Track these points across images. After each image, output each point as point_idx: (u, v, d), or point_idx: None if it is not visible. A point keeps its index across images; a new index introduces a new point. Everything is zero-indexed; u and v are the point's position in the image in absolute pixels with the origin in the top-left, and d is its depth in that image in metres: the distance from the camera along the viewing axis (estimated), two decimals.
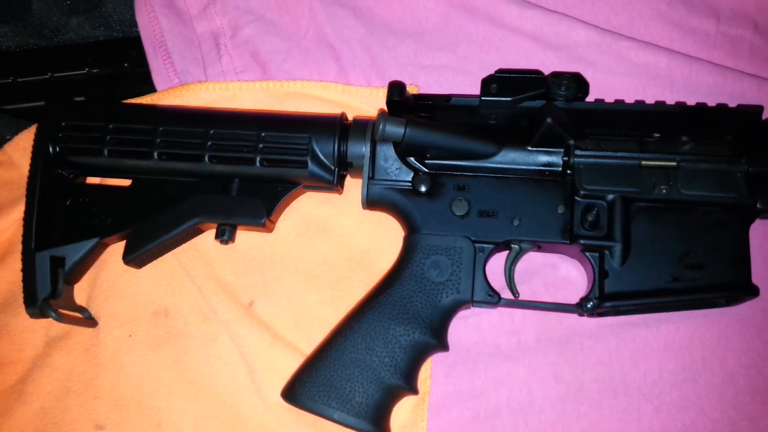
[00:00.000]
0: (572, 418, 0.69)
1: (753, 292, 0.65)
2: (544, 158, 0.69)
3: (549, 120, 0.67)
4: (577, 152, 0.68)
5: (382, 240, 0.77)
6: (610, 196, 0.67)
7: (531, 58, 0.81)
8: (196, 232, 0.76)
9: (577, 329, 0.72)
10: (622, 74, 0.79)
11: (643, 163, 0.67)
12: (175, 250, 0.77)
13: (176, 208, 0.73)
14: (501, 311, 0.73)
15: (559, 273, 0.74)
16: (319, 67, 0.84)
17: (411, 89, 0.81)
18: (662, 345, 0.70)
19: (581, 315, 0.71)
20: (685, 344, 0.70)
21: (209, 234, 0.76)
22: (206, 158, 0.73)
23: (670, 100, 0.71)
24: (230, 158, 0.73)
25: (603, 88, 0.78)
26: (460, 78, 0.82)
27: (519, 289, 0.73)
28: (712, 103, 0.70)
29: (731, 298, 0.67)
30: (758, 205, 0.65)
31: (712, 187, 0.66)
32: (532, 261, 0.74)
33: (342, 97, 0.82)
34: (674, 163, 0.67)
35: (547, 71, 0.73)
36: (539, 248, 0.71)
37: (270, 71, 0.84)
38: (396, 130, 0.68)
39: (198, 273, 0.77)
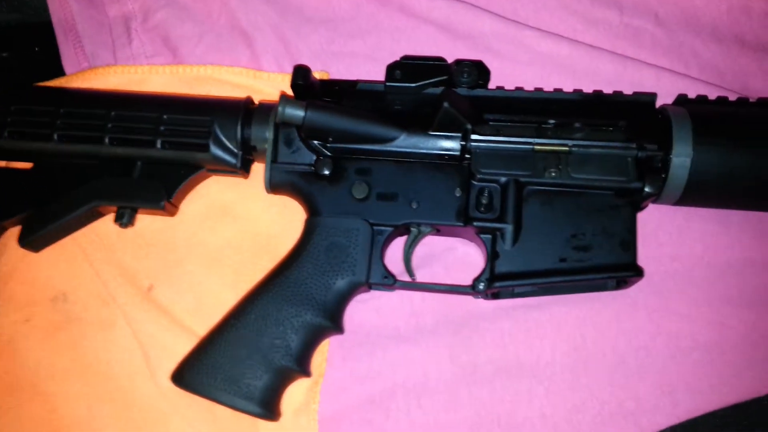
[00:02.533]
0: (465, 399, 0.70)
1: (638, 272, 0.66)
2: (443, 143, 0.70)
3: (446, 104, 0.68)
4: (474, 137, 0.69)
5: (288, 224, 0.76)
6: (503, 179, 0.68)
7: (439, 47, 0.82)
8: (96, 215, 0.75)
9: (474, 312, 0.72)
10: (526, 63, 0.81)
11: (537, 148, 0.68)
12: (75, 234, 0.76)
13: (75, 191, 0.72)
14: (402, 295, 0.74)
15: (458, 257, 0.75)
16: (232, 52, 0.84)
17: (321, 75, 0.82)
18: (555, 327, 0.71)
19: (475, 296, 0.71)
20: (577, 326, 0.71)
21: (111, 217, 0.75)
22: (106, 140, 0.72)
23: (572, 88, 0.73)
24: (131, 140, 0.72)
25: (509, 77, 0.79)
26: (370, 65, 0.82)
27: (420, 272, 0.73)
28: (611, 91, 0.72)
29: (620, 281, 0.68)
30: (646, 189, 0.67)
31: (603, 171, 0.67)
32: (434, 245, 0.75)
33: (253, 82, 0.82)
34: (566, 148, 0.68)
35: (453, 60, 0.74)
36: (438, 232, 0.71)
37: (181, 56, 0.84)
38: (296, 112, 0.68)
39: (97, 257, 0.76)
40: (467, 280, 0.69)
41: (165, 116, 0.72)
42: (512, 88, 0.72)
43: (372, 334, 0.73)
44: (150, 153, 0.72)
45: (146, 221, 0.77)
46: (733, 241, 0.73)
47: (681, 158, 0.65)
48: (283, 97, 0.69)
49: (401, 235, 0.72)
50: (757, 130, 0.66)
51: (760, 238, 0.72)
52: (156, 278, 0.76)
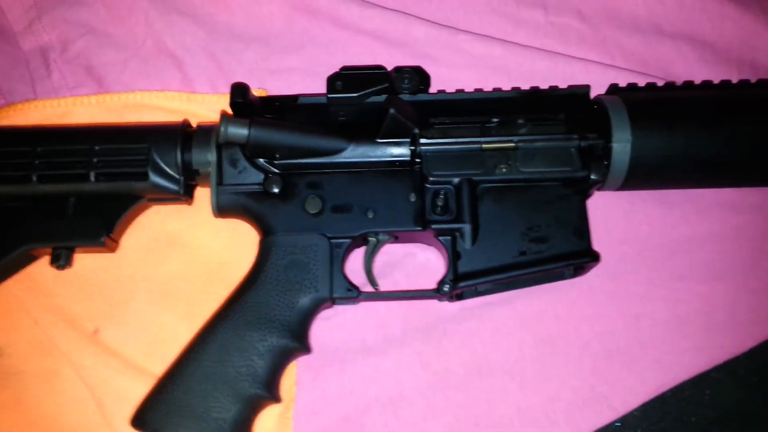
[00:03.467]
0: (441, 405, 0.69)
1: (594, 257, 0.67)
2: (392, 149, 0.69)
3: (392, 111, 0.68)
4: (423, 141, 0.69)
5: (239, 249, 0.74)
6: (456, 180, 0.68)
7: (376, 56, 0.82)
8: (29, 259, 0.70)
9: (440, 316, 0.72)
10: (462, 66, 0.82)
11: (484, 146, 0.69)
12: (7, 283, 0.70)
13: (3, 235, 0.67)
14: (366, 307, 0.72)
15: (419, 263, 0.74)
16: (161, 76, 0.81)
17: (260, 93, 0.80)
18: (520, 322, 0.71)
19: (441, 299, 0.71)
20: (541, 318, 0.72)
21: (47, 260, 0.70)
22: (34, 178, 0.67)
23: (507, 87, 0.74)
24: (61, 176, 0.68)
25: (447, 81, 0.80)
26: (308, 80, 0.81)
27: (382, 282, 0.72)
28: (545, 87, 0.74)
29: (577, 267, 0.70)
30: (592, 176, 0.68)
31: (549, 164, 0.69)
32: (393, 253, 0.74)
33: (187, 106, 0.79)
34: (513, 144, 0.69)
35: (390, 65, 0.74)
36: (396, 239, 0.71)
37: (107, 84, 0.80)
38: (239, 131, 0.66)
39: (34, 304, 0.71)
40: (430, 285, 0.69)
41: (97, 147, 0.68)
42: (453, 91, 0.73)
43: (340, 351, 0.71)
44: (83, 187, 0.68)
45: (85, 260, 0.72)
46: (677, 220, 0.76)
47: (621, 144, 0.68)
48: (224, 116, 0.67)
49: (359, 246, 0.71)
50: (688, 111, 0.69)
51: (700, 214, 0.76)
52: (101, 320, 0.71)
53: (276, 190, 0.69)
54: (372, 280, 0.69)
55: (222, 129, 0.66)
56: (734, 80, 0.73)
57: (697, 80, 0.74)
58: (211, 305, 0.69)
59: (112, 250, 0.71)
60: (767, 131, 0.68)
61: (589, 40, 0.84)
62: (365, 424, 0.68)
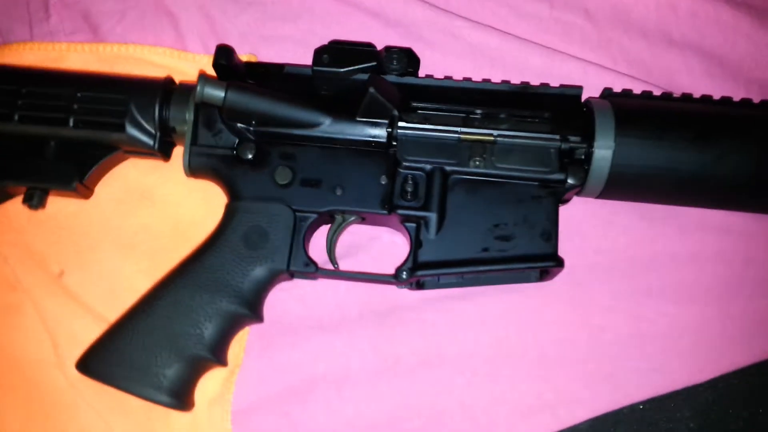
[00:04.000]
0: (386, 390, 0.68)
1: (558, 263, 0.66)
2: (370, 129, 0.68)
3: (372, 90, 0.67)
4: (401, 124, 0.68)
5: (211, 211, 0.73)
6: (429, 168, 0.67)
7: (371, 34, 0.80)
8: (5, 196, 0.71)
9: (399, 303, 0.71)
10: (457, 54, 0.80)
11: (462, 137, 0.68)
12: None
13: None
14: (327, 285, 0.72)
15: (384, 246, 0.73)
16: (155, 32, 0.81)
17: (249, 58, 0.79)
18: (479, 319, 0.70)
19: (399, 286, 0.70)
20: (501, 318, 0.71)
21: (21, 199, 0.71)
22: (16, 117, 0.68)
23: (500, 79, 0.72)
24: (41, 118, 0.68)
25: (441, 67, 0.78)
26: (301, 50, 0.80)
27: (345, 262, 0.72)
28: (538, 83, 0.72)
29: (542, 271, 0.68)
30: (569, 181, 0.67)
31: (526, 162, 0.67)
32: (360, 234, 0.73)
33: (178, 63, 0.79)
34: (491, 138, 0.67)
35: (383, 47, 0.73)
36: (363, 220, 0.70)
37: (102, 34, 0.80)
38: (216, 92, 0.66)
39: (5, 239, 0.72)
40: (392, 270, 0.68)
41: (79, 94, 0.69)
42: (441, 77, 0.72)
43: (294, 324, 0.71)
44: (62, 132, 0.69)
45: (59, 204, 0.73)
46: (656, 235, 0.73)
47: (603, 150, 0.66)
48: (203, 76, 0.67)
49: (326, 222, 0.71)
50: (678, 124, 0.66)
51: (682, 233, 0.73)
52: (67, 263, 0.72)
53: (248, 157, 0.68)
54: (332, 259, 0.69)
55: (199, 88, 0.66)
56: (737, 98, 0.70)
57: (700, 94, 0.71)
58: (174, 262, 0.70)
59: (86, 197, 0.72)
60: (757, 156, 0.65)
61: (593, 41, 0.81)
62: (308, 399, 0.68)
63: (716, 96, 0.71)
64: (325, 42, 0.75)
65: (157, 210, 0.74)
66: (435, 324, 0.70)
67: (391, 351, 0.70)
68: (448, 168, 0.67)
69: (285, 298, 0.71)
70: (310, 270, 0.67)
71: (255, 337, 0.70)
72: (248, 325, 0.67)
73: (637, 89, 0.72)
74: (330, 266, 0.69)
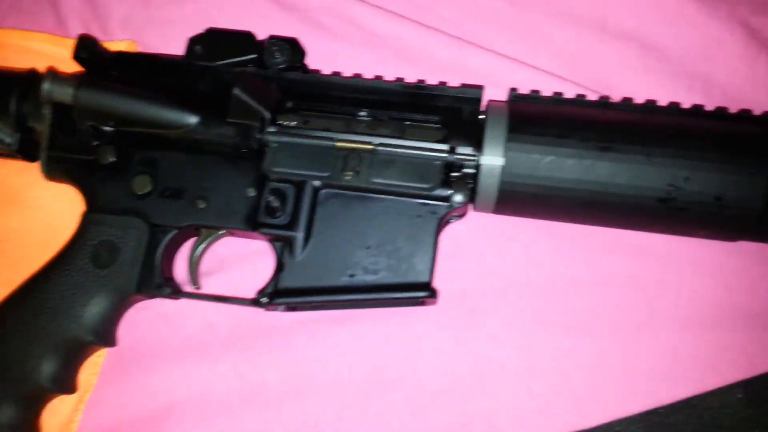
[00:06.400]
0: (248, 421, 0.63)
1: (430, 294, 0.58)
2: (239, 133, 0.61)
3: (236, 90, 0.59)
4: (271, 129, 0.60)
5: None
6: (298, 179, 0.60)
7: (263, 19, 0.73)
8: None
9: (271, 325, 0.65)
10: (358, 43, 0.72)
11: (338, 144, 0.60)
12: None
13: None
14: (194, 303, 0.66)
15: (266, 261, 0.66)
16: (34, 16, 0.75)
17: (129, 46, 0.73)
18: (355, 345, 0.64)
19: (267, 309, 0.64)
20: (379, 345, 0.64)
21: None
22: None
23: (406, 74, 0.64)
24: None
25: (340, 58, 0.71)
26: (188, 36, 0.72)
27: (215, 277, 0.67)
28: (443, 78, 0.63)
29: (412, 300, 0.61)
30: (455, 198, 0.59)
31: (406, 176, 0.59)
32: (242, 245, 0.67)
33: (57, 50, 0.73)
34: (370, 147, 0.60)
35: (279, 32, 0.65)
36: (233, 234, 0.64)
37: None
38: (63, 90, 0.60)
39: None
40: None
41: None
42: (345, 71, 0.64)
43: (156, 345, 0.66)
44: None
45: None
46: (560, 257, 0.65)
47: (491, 163, 0.57)
48: (51, 71, 0.61)
49: (193, 236, 0.65)
50: (582, 134, 0.57)
51: (590, 254, 0.65)
52: None
53: (107, 162, 0.62)
54: (194, 278, 0.63)
55: (45, 86, 0.60)
56: (676, 97, 0.61)
57: (634, 93, 0.62)
58: None
59: None
60: (670, 172, 0.55)
61: (515, 29, 0.71)
62: (163, 428, 0.63)
63: (650, 95, 0.62)
64: (216, 26, 0.68)
65: (24, 214, 0.70)
66: (306, 349, 0.64)
67: (258, 378, 0.64)
68: (317, 182, 0.60)
69: (148, 317, 0.66)
70: (164, 292, 0.61)
71: (112, 359, 0.65)
72: (95, 351, 0.62)
73: (559, 88, 0.63)
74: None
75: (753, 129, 0.57)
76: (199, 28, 0.71)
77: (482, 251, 0.66)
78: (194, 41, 0.65)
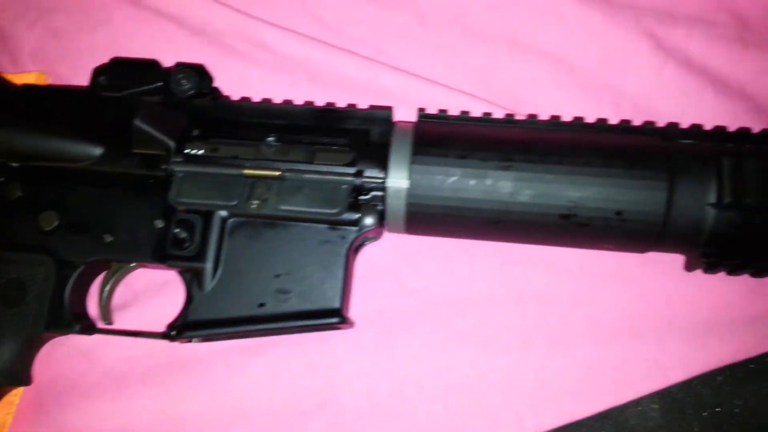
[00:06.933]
0: None
1: (342, 320, 0.58)
2: (144, 164, 0.60)
3: (135, 121, 0.59)
4: (177, 158, 0.60)
5: None
6: (206, 210, 0.59)
7: (174, 46, 0.72)
8: None
9: (187, 356, 0.65)
10: (270, 67, 0.71)
11: (246, 172, 0.60)
12: None
13: None
14: (111, 338, 0.65)
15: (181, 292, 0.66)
16: None
17: (38, 78, 0.72)
18: (273, 373, 0.64)
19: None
20: (297, 372, 0.64)
21: None
22: None
23: (319, 96, 0.64)
24: None
25: (253, 82, 0.71)
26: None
27: (134, 310, 0.66)
28: (356, 100, 0.63)
29: (325, 326, 0.60)
30: (365, 221, 0.58)
31: (313, 202, 0.59)
32: (160, 275, 0.66)
33: None
34: (278, 173, 0.59)
35: (191, 58, 0.64)
36: (144, 266, 0.63)
37: None
38: None
39: None
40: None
41: None
42: (259, 96, 0.63)
43: (74, 381, 0.65)
44: None
45: None
46: (476, 273, 0.65)
47: (396, 186, 0.57)
48: None
49: (103, 270, 0.64)
50: (486, 153, 0.57)
51: (507, 270, 0.65)
52: None
53: (13, 198, 0.61)
54: (104, 313, 0.62)
55: None
56: (591, 111, 0.62)
57: (549, 108, 0.63)
58: None
59: None
60: (577, 188, 0.56)
61: (427, 48, 0.71)
62: None
63: (561, 110, 0.62)
64: (129, 52, 0.67)
65: None
66: (225, 380, 0.64)
67: (177, 411, 0.63)
68: (224, 211, 0.59)
69: (65, 352, 0.65)
70: (75, 330, 0.60)
71: (29, 396, 0.64)
72: (8, 391, 0.61)
73: (471, 105, 0.64)
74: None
75: (653, 141, 0.58)
76: (109, 57, 0.72)
77: (399, 271, 0.66)
78: (98, 72, 0.64)
